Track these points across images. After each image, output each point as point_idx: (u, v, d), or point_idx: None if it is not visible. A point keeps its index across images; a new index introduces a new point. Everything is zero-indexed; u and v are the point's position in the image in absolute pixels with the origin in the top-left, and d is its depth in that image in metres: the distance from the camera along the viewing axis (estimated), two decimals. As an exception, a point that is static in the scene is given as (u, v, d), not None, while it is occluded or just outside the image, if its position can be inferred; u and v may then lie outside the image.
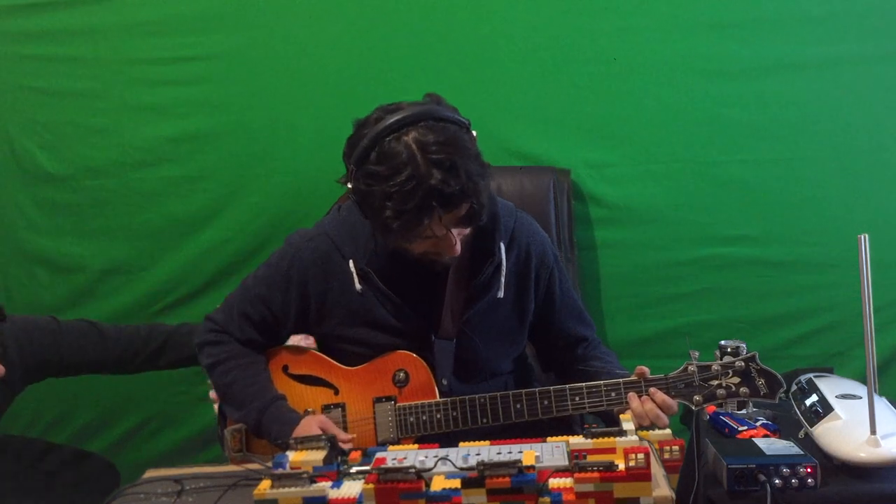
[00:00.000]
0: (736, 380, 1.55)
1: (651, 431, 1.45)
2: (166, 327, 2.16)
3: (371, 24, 2.43)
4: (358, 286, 1.72)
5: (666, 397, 1.57)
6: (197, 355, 1.85)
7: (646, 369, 1.62)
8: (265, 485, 1.28)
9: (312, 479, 1.28)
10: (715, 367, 1.56)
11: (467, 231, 1.63)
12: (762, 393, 1.54)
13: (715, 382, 1.56)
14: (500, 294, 1.74)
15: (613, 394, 1.60)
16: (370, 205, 1.55)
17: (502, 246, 1.74)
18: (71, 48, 2.51)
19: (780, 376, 1.54)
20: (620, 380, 1.61)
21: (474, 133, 1.59)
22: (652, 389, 1.58)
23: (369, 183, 1.53)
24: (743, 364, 1.55)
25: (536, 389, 1.64)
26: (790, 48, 2.34)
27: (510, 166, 2.40)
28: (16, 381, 1.98)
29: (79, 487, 2.09)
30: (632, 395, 1.59)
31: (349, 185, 1.58)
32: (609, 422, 1.68)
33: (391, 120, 1.51)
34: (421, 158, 1.49)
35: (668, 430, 1.46)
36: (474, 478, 1.23)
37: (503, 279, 1.73)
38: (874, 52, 2.32)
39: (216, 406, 1.87)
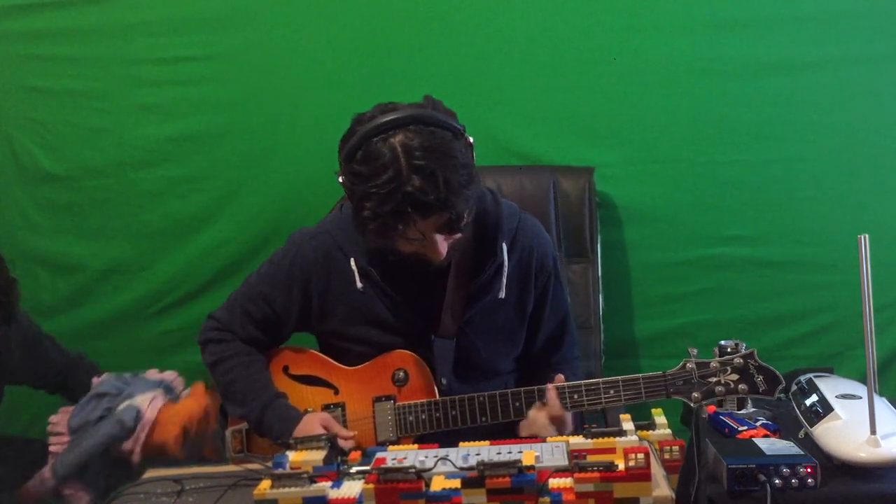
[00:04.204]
0: (734, 377, 1.54)
1: (651, 431, 1.45)
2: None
3: (371, 24, 2.43)
4: (359, 284, 1.73)
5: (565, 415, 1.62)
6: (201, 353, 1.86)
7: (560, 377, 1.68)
8: (265, 485, 1.28)
9: (312, 479, 1.28)
10: (713, 364, 1.56)
11: (457, 235, 1.62)
12: (761, 389, 1.53)
13: (713, 379, 1.55)
14: (502, 295, 1.74)
15: (612, 391, 1.60)
16: (352, 202, 1.56)
17: (504, 247, 1.73)
18: (71, 48, 2.51)
19: (778, 373, 1.53)
20: (619, 378, 1.61)
21: (470, 139, 1.57)
22: (553, 402, 1.62)
23: (352, 181, 1.54)
24: (741, 361, 1.55)
25: (535, 388, 1.65)
26: (790, 48, 2.33)
27: (510, 166, 2.40)
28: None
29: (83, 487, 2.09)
30: (538, 405, 1.63)
31: (340, 180, 1.59)
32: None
33: (381, 120, 1.51)
34: (404, 162, 1.48)
35: (668, 430, 1.46)
36: (474, 478, 1.23)
37: (504, 280, 1.73)
38: (875, 52, 2.32)
39: None
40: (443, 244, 1.59)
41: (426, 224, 1.53)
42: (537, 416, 1.63)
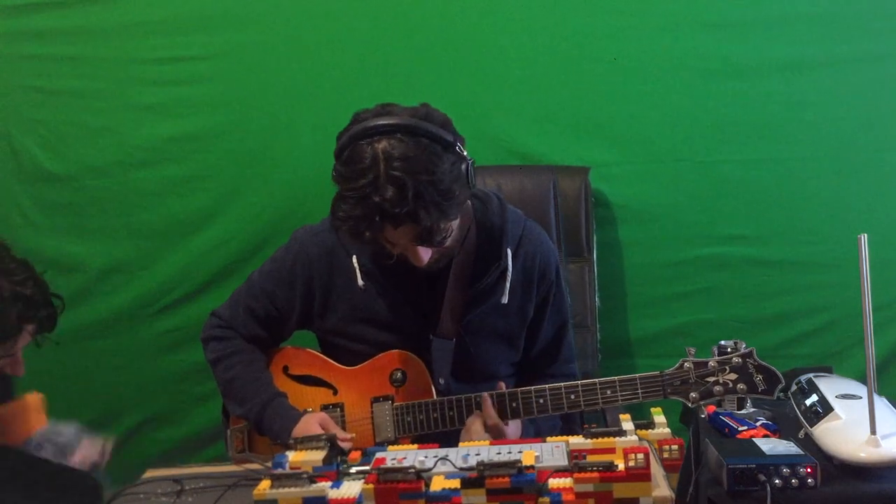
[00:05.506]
0: (733, 376, 1.53)
1: (650, 430, 1.45)
2: None
3: (371, 24, 2.43)
4: (361, 282, 1.73)
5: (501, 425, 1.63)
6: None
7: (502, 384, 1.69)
8: (265, 485, 1.28)
9: (312, 479, 1.27)
10: (711, 363, 1.55)
11: (444, 245, 1.61)
12: (760, 389, 1.52)
13: (712, 379, 1.54)
14: (505, 300, 1.73)
15: (609, 392, 1.60)
16: (333, 199, 1.56)
17: (509, 252, 1.73)
18: (71, 48, 2.51)
19: (778, 372, 1.52)
20: (616, 378, 1.60)
21: (465, 153, 1.55)
22: (487, 410, 1.62)
23: (336, 180, 1.54)
24: (740, 360, 1.53)
25: (532, 388, 1.64)
26: (790, 48, 2.34)
27: (510, 166, 2.40)
28: None
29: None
30: (476, 412, 1.64)
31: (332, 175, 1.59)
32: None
33: (371, 123, 1.50)
34: (382, 170, 1.47)
35: (667, 430, 1.46)
36: (474, 478, 1.23)
37: (508, 285, 1.73)
38: (874, 52, 2.32)
39: None
40: (424, 252, 1.58)
41: (397, 233, 1.53)
42: (471, 424, 1.63)
